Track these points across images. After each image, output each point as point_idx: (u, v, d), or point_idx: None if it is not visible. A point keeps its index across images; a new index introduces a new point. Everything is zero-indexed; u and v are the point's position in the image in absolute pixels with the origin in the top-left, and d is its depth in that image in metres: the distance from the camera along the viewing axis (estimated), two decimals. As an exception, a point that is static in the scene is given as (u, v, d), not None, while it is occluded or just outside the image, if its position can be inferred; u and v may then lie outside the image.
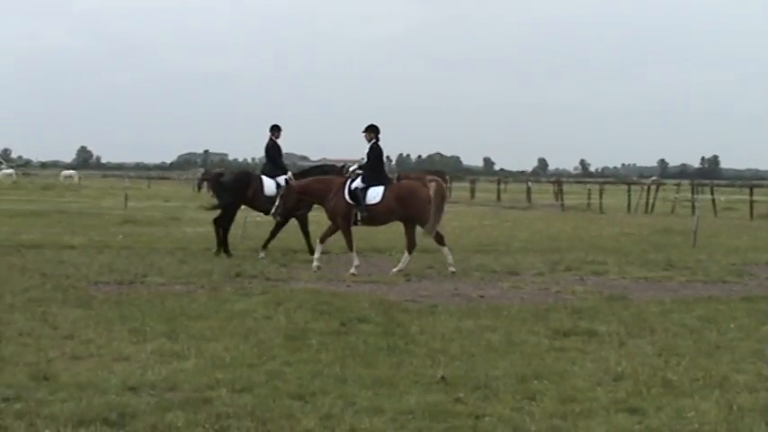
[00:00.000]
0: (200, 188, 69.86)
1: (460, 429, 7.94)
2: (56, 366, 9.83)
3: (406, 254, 19.09)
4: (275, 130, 22.76)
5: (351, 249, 19.16)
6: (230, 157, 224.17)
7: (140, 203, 44.62)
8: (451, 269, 18.68)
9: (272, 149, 22.73)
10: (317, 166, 25.41)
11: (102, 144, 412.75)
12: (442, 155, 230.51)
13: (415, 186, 19.90)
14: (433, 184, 19.52)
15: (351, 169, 20.30)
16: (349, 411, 8.29)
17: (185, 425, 7.85)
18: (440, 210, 19.39)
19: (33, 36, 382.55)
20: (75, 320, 12.45)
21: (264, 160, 23.41)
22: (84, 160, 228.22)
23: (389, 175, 21.45)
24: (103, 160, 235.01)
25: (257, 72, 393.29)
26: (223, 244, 21.87)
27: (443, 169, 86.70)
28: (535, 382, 9.46)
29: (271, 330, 11.93)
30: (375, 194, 19.14)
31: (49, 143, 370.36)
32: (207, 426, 7.84)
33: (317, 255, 19.23)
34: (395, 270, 18.61)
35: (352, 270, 18.48)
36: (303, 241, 22.18)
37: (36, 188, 71.70)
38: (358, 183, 19.28)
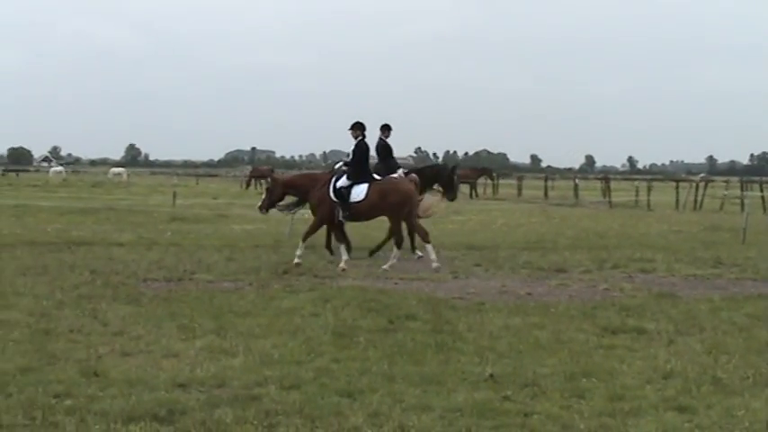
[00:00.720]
0: (248, 185, 70.17)
1: (509, 427, 7.92)
2: (106, 363, 9.91)
3: (395, 250, 19.18)
4: (385, 129, 22.72)
5: (340, 242, 19.33)
6: (277, 155, 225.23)
7: (188, 201, 44.80)
8: (435, 265, 18.49)
9: (383, 149, 22.72)
10: (430, 166, 25.35)
11: (150, 141, 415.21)
12: (488, 152, 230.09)
13: (399, 181, 20.05)
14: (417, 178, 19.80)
15: (336, 167, 20.31)
16: (397, 409, 8.29)
17: (234, 421, 7.89)
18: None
19: (82, 35, 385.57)
20: (124, 317, 12.54)
21: (376, 159, 23.38)
22: (133, 158, 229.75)
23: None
24: (152, 158, 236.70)
25: (304, 69, 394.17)
26: (328, 241, 21.77)
27: (490, 166, 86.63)
28: (584, 379, 9.42)
29: (319, 327, 11.95)
30: (359, 192, 19.18)
31: (99, 141, 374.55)
32: (255, 423, 7.87)
33: (299, 252, 19.19)
34: (385, 266, 18.68)
35: (342, 265, 18.54)
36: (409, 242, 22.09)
37: (85, 186, 72.19)
38: (343, 181, 19.35)
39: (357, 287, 15.84)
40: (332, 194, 19.28)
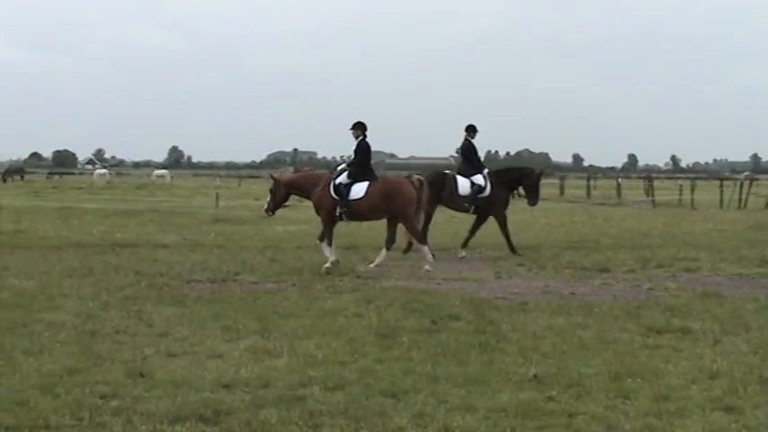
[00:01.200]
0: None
1: (553, 428, 7.90)
2: (151, 364, 9.97)
3: (384, 250, 19.28)
4: (471, 130, 22.81)
5: (329, 244, 19.26)
6: (319, 155, 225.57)
7: (231, 202, 45.07)
8: (427, 267, 18.65)
9: (468, 149, 22.78)
10: (516, 169, 25.33)
11: (192, 143, 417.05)
12: (530, 151, 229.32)
13: (400, 182, 20.01)
14: (417, 182, 19.75)
15: (340, 168, 20.29)
16: (441, 409, 8.28)
17: (279, 422, 7.91)
18: (419, 209, 19.61)
19: (125, 38, 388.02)
20: (169, 318, 12.62)
21: (460, 159, 23.35)
22: (176, 160, 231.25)
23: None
24: (194, 159, 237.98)
25: (346, 69, 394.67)
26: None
27: (532, 166, 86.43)
28: (628, 380, 9.37)
29: (362, 328, 11.96)
30: (359, 190, 19.24)
31: (142, 143, 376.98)
32: (300, 423, 7.89)
33: (328, 255, 19.17)
34: (371, 265, 18.82)
35: (327, 264, 18.56)
36: (504, 240, 22.25)
37: (129, 188, 72.80)
38: (343, 178, 19.42)
39: (400, 287, 15.85)
40: (332, 192, 19.37)
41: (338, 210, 19.24)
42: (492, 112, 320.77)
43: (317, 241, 19.61)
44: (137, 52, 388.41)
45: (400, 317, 12.81)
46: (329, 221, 19.40)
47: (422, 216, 19.78)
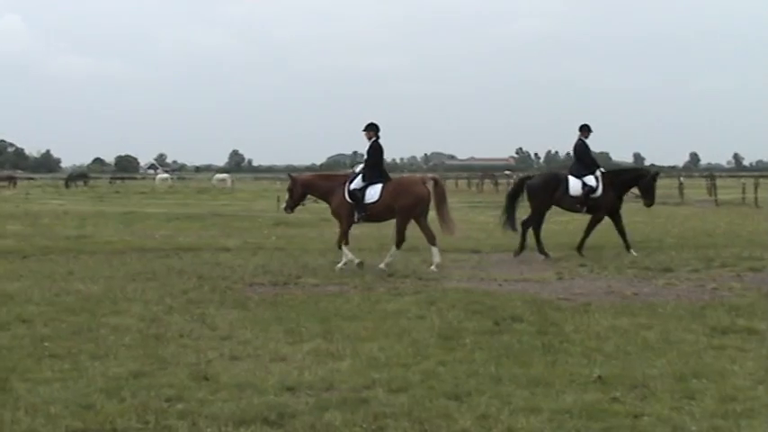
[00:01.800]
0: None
1: (618, 429, 7.84)
2: (215, 367, 10.03)
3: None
4: (585, 129, 22.77)
5: (345, 244, 19.63)
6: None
7: (292, 205, 45.13)
8: (433, 268, 18.80)
9: (581, 149, 22.76)
10: (632, 170, 25.29)
11: (253, 147, 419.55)
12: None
13: (412, 182, 20.17)
14: (432, 182, 19.88)
15: (357, 170, 20.40)
16: (505, 411, 8.25)
17: (343, 424, 7.93)
18: (442, 209, 19.66)
19: (185, 43, 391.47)
20: (232, 321, 12.70)
21: (573, 159, 23.29)
22: (237, 163, 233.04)
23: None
24: (255, 163, 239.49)
25: (405, 71, 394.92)
26: (537, 244, 21.93)
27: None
28: (694, 380, 9.28)
29: (424, 330, 11.95)
30: (373, 193, 19.46)
31: (203, 147, 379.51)
32: (364, 426, 7.90)
33: (346, 256, 19.46)
34: (381, 265, 18.92)
35: (340, 265, 18.95)
36: (618, 239, 22.19)
37: (191, 192, 73.42)
38: (357, 182, 19.61)
39: (462, 289, 15.83)
40: (347, 196, 19.56)
41: (356, 215, 19.56)
42: (552, 112, 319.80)
43: (338, 247, 19.91)
44: (196, 57, 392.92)
45: (462, 318, 12.78)
46: (348, 225, 19.78)
47: (443, 218, 19.81)
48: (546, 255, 21.43)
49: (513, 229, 22.15)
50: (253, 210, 42.62)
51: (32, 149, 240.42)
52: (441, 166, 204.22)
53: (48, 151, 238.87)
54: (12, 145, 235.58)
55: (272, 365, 10.13)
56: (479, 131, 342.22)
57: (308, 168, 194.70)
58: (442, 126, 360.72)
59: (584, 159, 22.47)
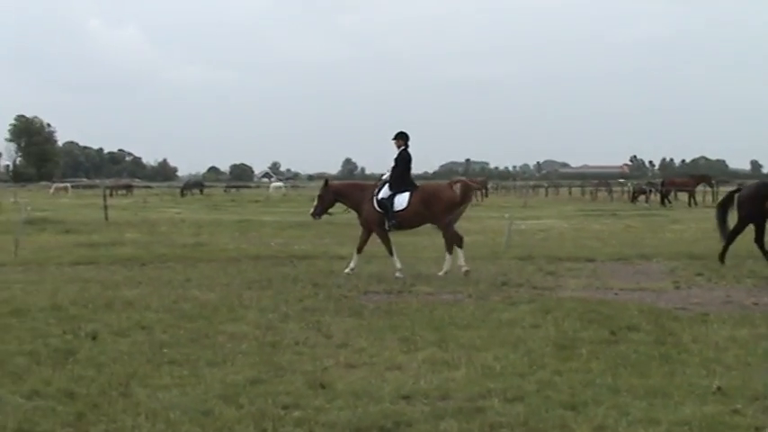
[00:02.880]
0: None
1: (740, 442, 7.71)
2: (331, 375, 10.09)
3: (457, 249, 19.46)
4: None
5: (390, 254, 19.84)
6: (491, 166, 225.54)
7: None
8: (465, 269, 19.09)
9: None
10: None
11: (365, 155, 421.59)
12: (706, 158, 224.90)
13: (441, 188, 20.14)
14: (459, 185, 19.86)
15: (384, 177, 20.39)
16: (623, 422, 8.15)
17: (459, 434, 7.93)
18: (459, 211, 19.82)
19: (297, 51, 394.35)
20: (347, 330, 12.76)
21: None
22: (350, 171, 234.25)
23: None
24: (367, 171, 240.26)
25: (513, 78, 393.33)
26: (723, 249, 21.61)
27: (708, 173, 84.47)
28: (818, 393, 9.08)
29: (540, 339, 11.88)
30: (402, 201, 19.57)
31: (316, 156, 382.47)
32: (480, 435, 7.88)
33: (398, 265, 19.53)
34: (440, 273, 19.10)
35: (397, 274, 19.00)
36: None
37: (304, 200, 73.71)
38: (385, 191, 19.72)
39: (577, 298, 15.69)
40: (376, 206, 19.73)
41: (387, 223, 19.66)
42: (666, 119, 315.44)
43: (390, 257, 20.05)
44: (309, 66, 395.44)
45: (578, 328, 12.67)
46: (384, 234, 20.00)
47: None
48: (723, 261, 21.07)
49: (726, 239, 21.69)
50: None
51: (150, 158, 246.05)
52: (554, 174, 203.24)
53: (164, 160, 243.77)
54: (130, 154, 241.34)
55: (388, 374, 10.15)
56: (592, 139, 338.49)
57: (420, 177, 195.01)
58: (553, 134, 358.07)
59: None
